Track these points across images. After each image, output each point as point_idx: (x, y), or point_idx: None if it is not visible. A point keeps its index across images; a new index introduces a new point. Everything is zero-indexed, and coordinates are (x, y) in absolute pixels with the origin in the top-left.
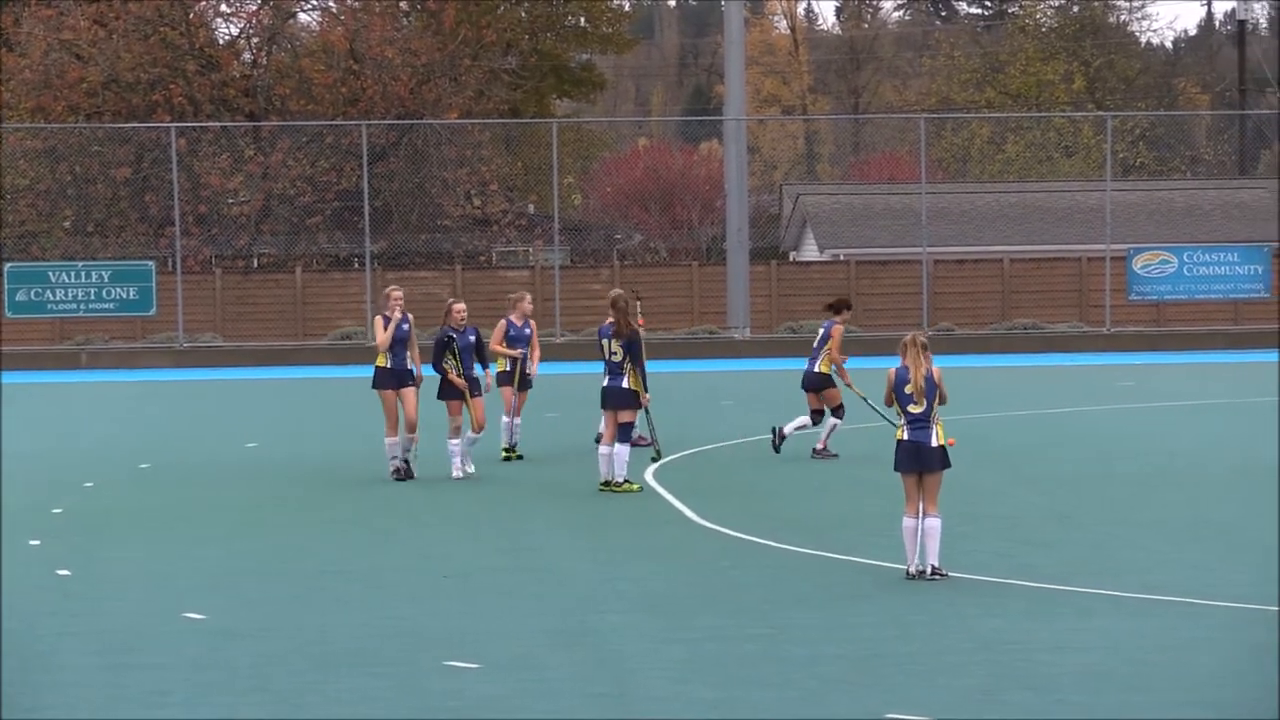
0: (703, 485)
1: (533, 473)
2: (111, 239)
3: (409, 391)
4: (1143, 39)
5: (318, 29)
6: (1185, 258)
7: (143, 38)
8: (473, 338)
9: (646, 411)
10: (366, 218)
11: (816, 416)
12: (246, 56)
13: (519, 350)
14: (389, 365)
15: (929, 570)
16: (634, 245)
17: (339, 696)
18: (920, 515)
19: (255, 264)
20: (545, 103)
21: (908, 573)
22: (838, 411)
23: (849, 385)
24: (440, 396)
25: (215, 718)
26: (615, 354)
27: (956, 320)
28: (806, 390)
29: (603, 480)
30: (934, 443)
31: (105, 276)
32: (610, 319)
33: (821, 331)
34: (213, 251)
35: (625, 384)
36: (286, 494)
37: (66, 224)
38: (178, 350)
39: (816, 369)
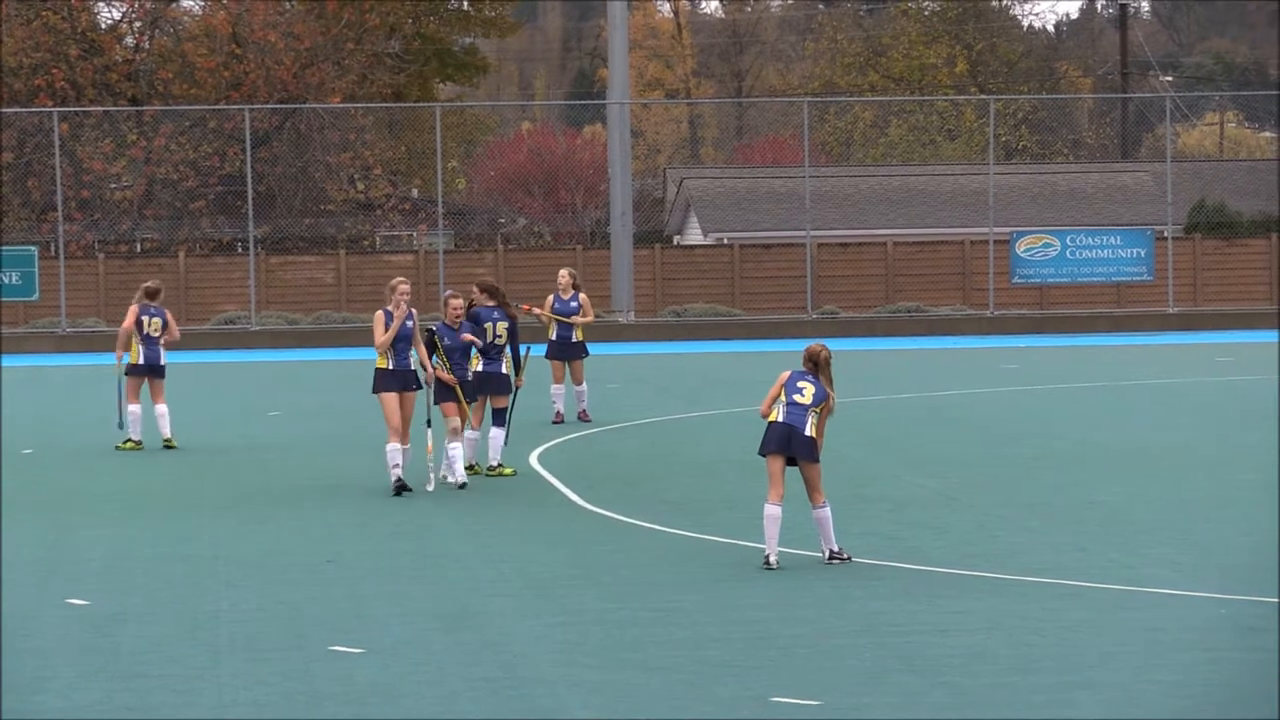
0: (587, 469)
1: (414, 456)
2: None
3: (412, 397)
4: (1025, 22)
5: (200, 13)
6: (1068, 241)
7: (25, 22)
8: (468, 335)
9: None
10: (250, 202)
11: None
12: (129, 41)
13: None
14: (390, 366)
15: (826, 555)
16: (518, 229)
17: (224, 681)
18: (781, 502)
19: (138, 249)
20: (429, 87)
21: (766, 561)
22: None
23: None
24: (436, 400)
25: (99, 702)
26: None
27: (841, 303)
28: None
29: (466, 464)
30: (807, 432)
31: None
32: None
33: None
34: (96, 236)
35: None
36: (171, 479)
37: None
38: (60, 335)
39: None
